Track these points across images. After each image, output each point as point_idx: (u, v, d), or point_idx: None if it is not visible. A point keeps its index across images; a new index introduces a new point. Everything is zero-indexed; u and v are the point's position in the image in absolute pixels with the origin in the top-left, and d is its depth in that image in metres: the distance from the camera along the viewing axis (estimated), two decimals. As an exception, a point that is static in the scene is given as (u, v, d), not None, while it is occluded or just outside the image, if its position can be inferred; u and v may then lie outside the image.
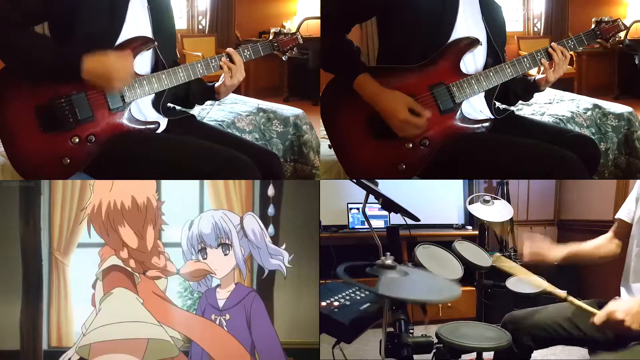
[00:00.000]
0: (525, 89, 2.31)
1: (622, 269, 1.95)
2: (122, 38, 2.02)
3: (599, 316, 1.66)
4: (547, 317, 1.96)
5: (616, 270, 1.98)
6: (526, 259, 2.07)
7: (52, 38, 2.04)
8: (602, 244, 2.08)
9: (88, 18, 1.98)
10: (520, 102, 2.44)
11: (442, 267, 2.05)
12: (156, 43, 2.07)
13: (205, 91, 2.28)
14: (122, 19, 2.02)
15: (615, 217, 2.05)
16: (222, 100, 2.89)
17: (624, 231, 2.01)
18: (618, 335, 1.74)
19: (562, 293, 1.85)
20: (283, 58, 2.27)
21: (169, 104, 2.24)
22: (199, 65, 2.11)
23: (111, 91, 2.00)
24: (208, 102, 2.74)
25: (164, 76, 2.07)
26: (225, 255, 1.96)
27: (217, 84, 2.23)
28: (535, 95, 2.39)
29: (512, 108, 2.40)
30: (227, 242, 1.96)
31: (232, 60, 2.15)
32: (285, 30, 2.25)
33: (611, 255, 2.06)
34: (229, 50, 2.16)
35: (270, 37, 2.25)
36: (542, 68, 2.20)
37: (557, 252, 2.06)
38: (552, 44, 2.18)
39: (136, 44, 2.03)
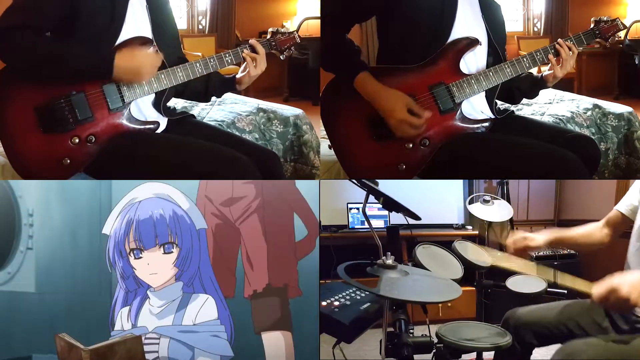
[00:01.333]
0: (532, 86, 2.30)
1: (621, 267, 1.95)
2: (121, 38, 2.01)
3: (598, 292, 1.58)
4: (550, 316, 1.97)
5: (616, 269, 1.98)
6: (510, 249, 2.08)
7: (53, 38, 2.04)
8: (593, 232, 2.09)
9: (88, 18, 1.98)
10: (523, 100, 2.44)
11: (442, 267, 2.05)
12: (154, 42, 2.07)
13: (225, 83, 2.29)
14: (121, 18, 2.01)
15: (615, 208, 2.05)
16: (222, 100, 2.89)
17: (617, 222, 2.03)
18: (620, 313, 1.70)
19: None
20: (281, 57, 2.28)
21: (169, 104, 2.24)
22: (197, 64, 2.11)
23: (138, 82, 2.02)
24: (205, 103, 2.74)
25: (162, 76, 2.07)
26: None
27: (239, 75, 2.24)
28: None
29: (512, 108, 2.40)
30: None
31: (255, 51, 2.17)
32: (283, 30, 2.26)
33: (599, 243, 2.07)
34: (252, 41, 2.20)
35: (268, 37, 2.25)
36: (544, 67, 2.20)
37: (539, 236, 2.07)
38: (559, 40, 2.20)
39: (135, 44, 2.03)
